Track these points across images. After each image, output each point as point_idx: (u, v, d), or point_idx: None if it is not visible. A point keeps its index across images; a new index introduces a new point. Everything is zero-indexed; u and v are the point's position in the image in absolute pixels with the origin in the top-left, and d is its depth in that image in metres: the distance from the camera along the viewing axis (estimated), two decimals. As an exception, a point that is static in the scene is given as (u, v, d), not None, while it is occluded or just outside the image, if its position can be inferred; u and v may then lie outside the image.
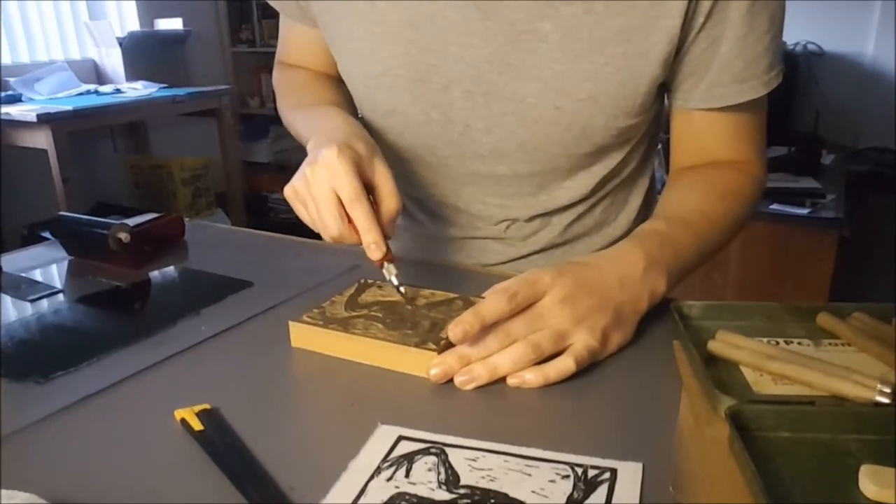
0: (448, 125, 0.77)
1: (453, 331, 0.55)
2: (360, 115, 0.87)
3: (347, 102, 0.85)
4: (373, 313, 0.63)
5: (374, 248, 0.63)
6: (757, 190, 0.79)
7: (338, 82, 0.89)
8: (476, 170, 0.81)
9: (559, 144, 0.76)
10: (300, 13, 0.86)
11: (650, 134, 0.85)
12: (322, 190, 0.63)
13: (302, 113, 0.81)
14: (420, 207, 0.90)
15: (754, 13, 0.68)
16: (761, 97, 0.74)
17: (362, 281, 0.71)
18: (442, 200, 0.86)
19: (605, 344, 0.59)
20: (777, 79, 0.73)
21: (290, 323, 0.62)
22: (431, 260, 0.87)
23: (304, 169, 0.65)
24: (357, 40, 0.76)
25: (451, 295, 0.67)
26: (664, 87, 0.76)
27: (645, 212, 0.91)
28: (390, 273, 0.65)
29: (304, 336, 0.62)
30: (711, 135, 0.78)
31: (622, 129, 0.75)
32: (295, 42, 0.93)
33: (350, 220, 0.63)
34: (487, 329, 0.56)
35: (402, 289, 0.66)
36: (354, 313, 0.63)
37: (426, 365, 0.56)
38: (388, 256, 0.64)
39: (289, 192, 0.67)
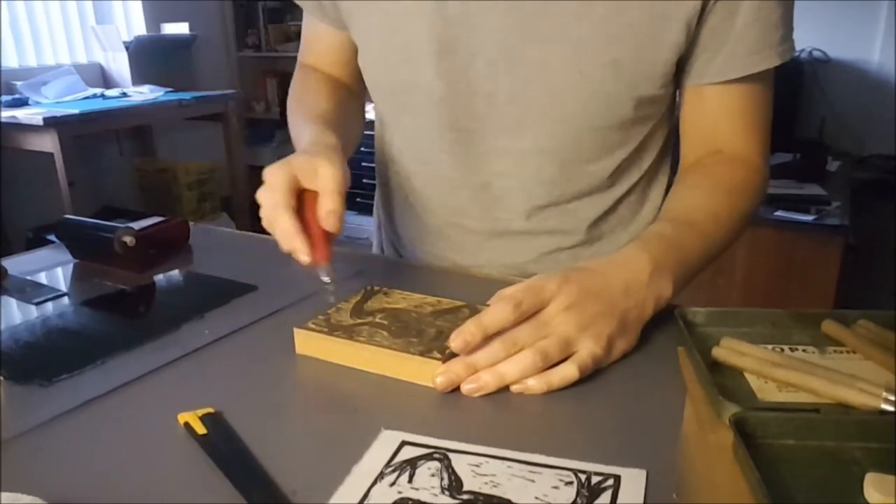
0: (472, 97, 0.77)
1: (455, 341, 0.55)
2: (373, 102, 0.88)
3: (343, 113, 0.84)
4: (378, 321, 0.63)
5: (299, 255, 0.62)
6: (762, 185, 0.79)
7: (342, 91, 0.90)
8: (498, 145, 0.80)
9: (582, 115, 0.76)
10: (318, 9, 0.86)
11: (666, 127, 0.85)
12: (268, 208, 0.63)
13: (296, 126, 0.82)
14: (436, 206, 0.88)
15: None
16: (769, 81, 0.75)
17: (368, 287, 0.70)
18: (462, 183, 0.84)
19: (609, 351, 0.59)
20: (790, 51, 0.73)
21: (295, 329, 0.62)
22: (437, 264, 0.87)
23: None
24: (380, 15, 0.77)
25: (458, 303, 0.67)
26: (679, 70, 0.76)
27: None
28: (322, 273, 0.63)
29: (309, 343, 0.62)
30: (722, 114, 0.77)
31: (642, 99, 0.75)
32: (313, 41, 0.93)
33: (306, 228, 0.62)
34: (493, 336, 0.56)
35: (330, 289, 0.65)
36: (360, 321, 0.63)
37: (430, 374, 0.56)
38: (321, 256, 0.62)
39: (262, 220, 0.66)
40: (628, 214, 0.88)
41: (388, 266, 0.86)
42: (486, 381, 0.55)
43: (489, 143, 0.80)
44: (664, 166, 0.89)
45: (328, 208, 0.62)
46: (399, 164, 0.91)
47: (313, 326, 0.62)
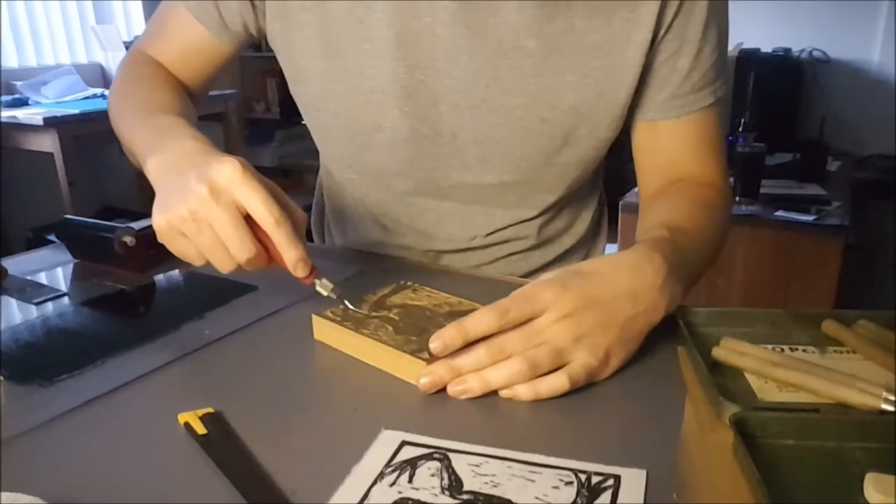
0: (436, 138, 0.79)
1: (434, 342, 0.55)
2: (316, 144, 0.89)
3: (192, 118, 0.77)
4: (391, 316, 0.64)
5: (301, 265, 0.60)
6: (727, 202, 0.82)
7: (186, 95, 0.84)
8: (462, 180, 0.83)
9: (544, 153, 0.79)
10: (218, 23, 0.80)
11: None
12: (226, 212, 0.56)
13: (144, 119, 0.73)
14: (398, 225, 0.90)
15: (707, 27, 0.74)
16: (719, 111, 0.80)
17: (402, 282, 0.71)
18: (423, 215, 0.88)
19: (606, 363, 0.57)
20: (722, 89, 0.80)
21: (313, 316, 0.64)
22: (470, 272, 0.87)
23: (189, 191, 0.56)
24: (341, 58, 0.75)
25: (478, 305, 0.65)
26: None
27: (600, 207, 0.99)
28: (326, 289, 0.62)
29: (323, 330, 0.64)
30: (678, 143, 0.81)
31: (604, 141, 0.79)
32: (170, 34, 0.84)
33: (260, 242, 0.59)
34: (478, 341, 0.56)
35: (346, 302, 0.64)
36: (374, 314, 0.64)
37: (417, 373, 0.56)
38: (316, 271, 0.62)
39: (162, 223, 0.58)
40: (572, 219, 0.94)
41: (388, 267, 0.86)
42: (471, 384, 0.54)
43: (453, 179, 0.83)
44: (601, 171, 0.95)
45: (299, 256, 0.59)
46: (355, 188, 0.90)
47: (330, 315, 0.64)
